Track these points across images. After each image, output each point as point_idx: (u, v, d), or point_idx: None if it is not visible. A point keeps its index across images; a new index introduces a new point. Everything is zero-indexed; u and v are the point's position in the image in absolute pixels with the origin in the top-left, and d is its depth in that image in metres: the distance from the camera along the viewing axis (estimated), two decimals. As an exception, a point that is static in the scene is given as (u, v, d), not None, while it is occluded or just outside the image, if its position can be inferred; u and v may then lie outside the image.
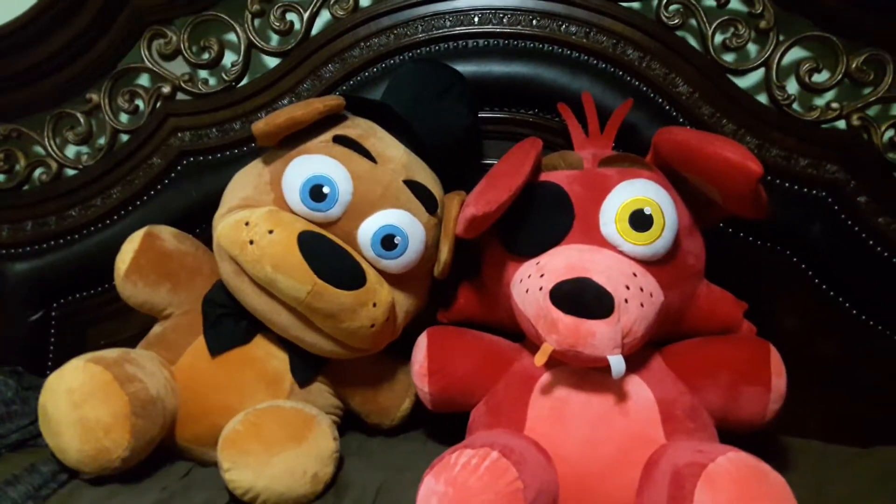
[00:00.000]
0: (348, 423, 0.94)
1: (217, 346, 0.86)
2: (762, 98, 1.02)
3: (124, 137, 1.09)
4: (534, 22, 1.01)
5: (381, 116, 0.90)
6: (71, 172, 1.10)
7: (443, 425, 0.92)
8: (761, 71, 1.01)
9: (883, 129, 0.99)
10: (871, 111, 1.00)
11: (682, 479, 0.65)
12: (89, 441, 0.77)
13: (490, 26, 1.02)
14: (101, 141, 1.09)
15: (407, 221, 0.84)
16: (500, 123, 1.04)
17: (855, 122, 0.99)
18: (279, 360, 0.87)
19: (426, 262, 0.88)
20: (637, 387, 0.78)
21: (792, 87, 1.01)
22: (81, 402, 0.77)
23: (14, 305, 1.07)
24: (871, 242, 0.96)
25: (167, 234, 0.92)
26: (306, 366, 0.88)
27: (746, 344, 0.83)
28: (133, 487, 0.80)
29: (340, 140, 0.85)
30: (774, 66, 1.00)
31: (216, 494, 0.78)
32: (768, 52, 1.00)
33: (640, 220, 0.78)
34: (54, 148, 1.09)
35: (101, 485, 0.80)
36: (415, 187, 0.86)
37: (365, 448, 0.91)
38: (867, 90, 0.99)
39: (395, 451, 0.90)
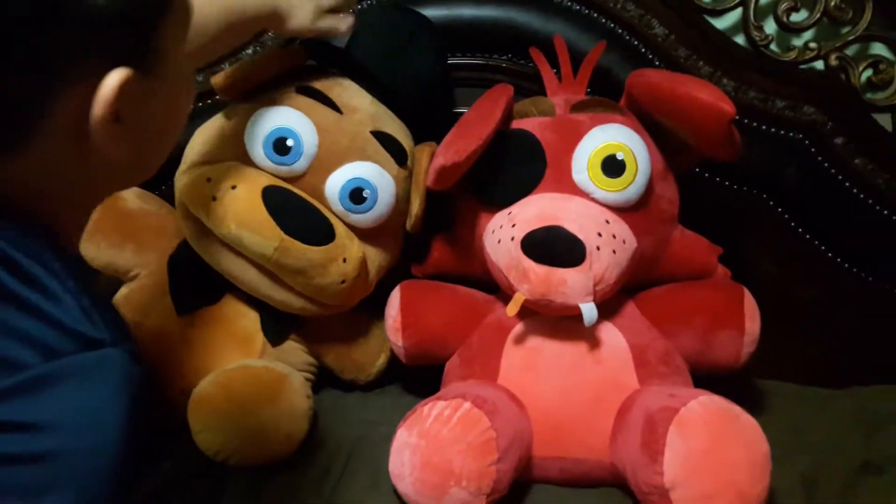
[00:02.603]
0: (323, 381, 0.94)
1: (184, 306, 0.85)
2: (739, 39, 0.99)
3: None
4: (505, -37, 0.98)
5: (346, 65, 0.87)
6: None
7: (419, 379, 0.91)
8: (738, 11, 0.98)
9: (861, 69, 0.97)
10: (850, 51, 0.98)
11: (655, 424, 0.65)
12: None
13: (459, -32, 0.98)
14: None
15: (375, 174, 0.81)
16: (472, 70, 1.00)
17: (833, 62, 0.97)
18: (250, 319, 0.86)
19: (397, 216, 0.86)
20: (610, 333, 0.77)
21: (770, 27, 0.99)
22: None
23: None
24: (847, 184, 0.95)
25: (129, 194, 0.89)
26: (278, 324, 0.87)
27: (720, 288, 0.83)
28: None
29: (304, 91, 0.82)
30: (752, 6, 0.97)
31: (189, 456, 0.77)
32: (744, -9, 0.97)
33: (612, 166, 0.77)
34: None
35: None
36: (383, 138, 0.84)
37: (340, 404, 0.91)
38: (845, 29, 0.97)
39: (371, 406, 0.89)
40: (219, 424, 0.74)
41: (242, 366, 0.80)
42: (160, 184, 0.98)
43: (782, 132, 0.97)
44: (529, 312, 0.77)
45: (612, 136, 0.78)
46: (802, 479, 0.73)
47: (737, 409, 0.66)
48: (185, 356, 0.84)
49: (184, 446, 0.78)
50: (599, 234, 0.74)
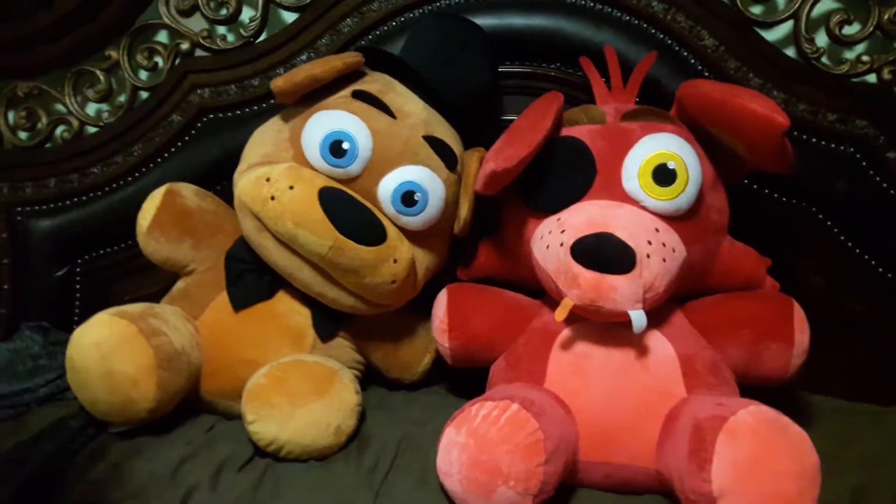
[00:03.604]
0: (370, 378, 0.96)
1: (240, 301, 0.87)
2: (790, 51, 0.99)
3: (144, 95, 1.09)
4: (556, -27, 0.99)
5: (400, 71, 0.89)
6: (92, 130, 1.10)
7: (463, 380, 0.92)
8: (790, 23, 0.98)
9: (914, 82, 0.96)
10: (903, 64, 0.97)
11: (703, 432, 0.65)
12: (117, 393, 0.78)
13: (511, -22, 1.00)
14: (122, 98, 1.09)
15: (427, 178, 0.83)
16: (521, 78, 1.02)
17: (886, 75, 0.96)
18: (302, 316, 0.88)
19: (446, 219, 0.88)
20: (658, 342, 0.77)
21: (821, 39, 0.99)
22: (108, 355, 0.78)
23: (39, 262, 1.08)
24: (899, 199, 0.94)
25: (188, 192, 0.92)
26: (328, 321, 0.89)
27: (769, 300, 0.82)
28: (160, 440, 0.81)
29: (360, 95, 0.84)
30: (804, 18, 0.97)
31: (241, 447, 0.80)
32: (797, 4, 0.97)
33: (663, 175, 0.77)
34: (75, 105, 1.09)
35: (129, 438, 0.82)
36: (434, 143, 0.86)
37: (386, 402, 0.92)
38: (899, 42, 0.96)
39: (416, 404, 0.90)
40: (272, 416, 0.76)
41: (295, 360, 0.82)
42: (216, 183, 1.01)
43: (833, 145, 0.96)
44: (576, 318, 0.78)
45: (663, 145, 0.79)
46: (851, 493, 0.72)
47: (786, 419, 0.66)
48: (238, 349, 0.86)
49: (237, 436, 0.80)
50: (649, 242, 0.74)
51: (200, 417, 0.87)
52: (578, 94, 0.98)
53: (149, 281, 1.07)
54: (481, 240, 0.94)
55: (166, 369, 0.79)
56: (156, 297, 0.93)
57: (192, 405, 0.88)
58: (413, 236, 0.85)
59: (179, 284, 0.92)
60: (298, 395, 0.77)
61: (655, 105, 0.88)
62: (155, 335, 0.79)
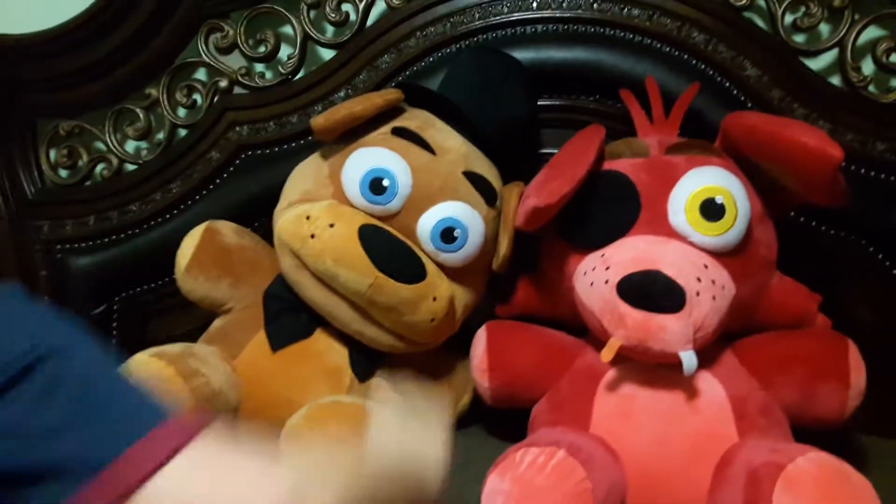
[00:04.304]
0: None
1: (278, 340, 0.86)
2: (835, 80, 0.97)
3: (183, 132, 1.10)
4: (594, 5, 0.98)
5: (439, 107, 0.88)
6: (131, 167, 1.11)
7: (503, 421, 0.90)
8: (834, 51, 0.96)
9: (963, 110, 0.93)
10: (951, 92, 0.94)
11: (759, 480, 0.62)
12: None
13: (549, 11, 0.99)
14: (160, 136, 1.10)
15: (466, 214, 0.82)
16: (560, 111, 1.01)
17: (934, 103, 0.94)
18: (339, 355, 0.87)
19: (485, 256, 0.86)
20: (708, 383, 0.75)
21: (868, 67, 0.96)
22: (147, 396, 0.77)
23: (77, 299, 1.09)
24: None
25: (227, 229, 0.92)
26: (366, 360, 0.87)
27: (822, 338, 0.79)
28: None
29: (399, 132, 0.84)
30: (849, 47, 0.95)
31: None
32: (842, 32, 0.95)
33: (711, 210, 0.75)
34: (115, 143, 1.11)
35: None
36: (474, 179, 0.85)
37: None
38: (946, 70, 0.94)
39: (456, 446, 0.88)
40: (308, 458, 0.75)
41: (334, 401, 0.80)
42: (254, 220, 1.01)
43: (882, 175, 0.93)
44: (622, 359, 0.75)
45: (710, 179, 0.77)
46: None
47: (848, 467, 0.63)
48: (276, 389, 0.85)
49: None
50: (699, 280, 0.72)
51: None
52: (619, 127, 0.96)
53: (186, 319, 1.06)
54: (520, 276, 0.92)
55: (206, 412, 0.78)
56: (193, 336, 0.93)
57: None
58: (452, 273, 0.84)
59: (217, 323, 0.91)
60: (335, 436, 0.76)
61: (699, 137, 0.86)
62: (193, 376, 0.78)
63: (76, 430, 0.43)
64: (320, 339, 0.87)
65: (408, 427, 0.57)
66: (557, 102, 1.01)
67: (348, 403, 0.80)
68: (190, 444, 0.44)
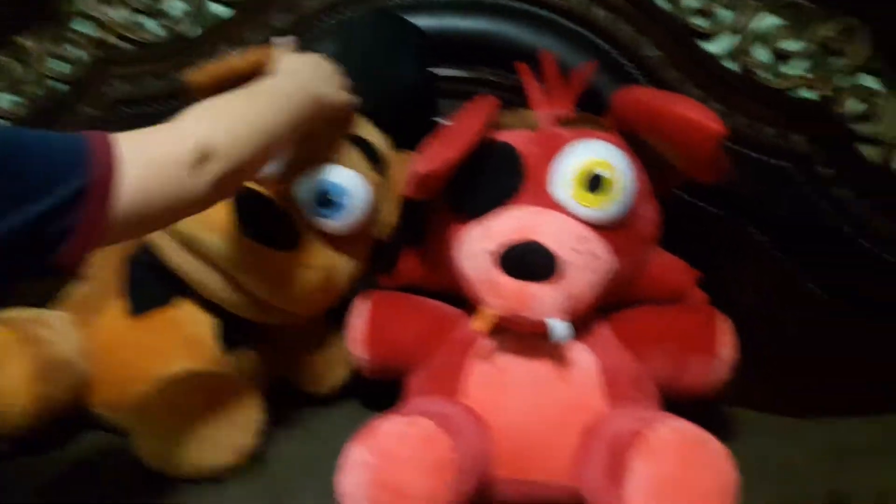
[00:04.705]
0: (281, 392, 0.89)
1: (138, 306, 0.81)
2: (731, 64, 0.98)
3: (61, 86, 1.03)
4: (499, -24, 0.96)
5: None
6: (4, 123, 1.04)
7: (382, 393, 0.87)
8: (731, 36, 0.98)
9: (850, 100, 0.96)
10: (840, 81, 0.97)
11: (620, 448, 0.62)
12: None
13: (453, -22, 0.97)
14: (37, 90, 1.03)
15: (349, 179, 0.79)
16: (460, 82, 0.99)
17: (823, 91, 0.96)
18: (203, 324, 0.82)
19: (370, 224, 0.83)
20: (581, 354, 0.75)
21: (762, 54, 0.98)
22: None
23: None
24: (832, 216, 0.93)
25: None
26: (234, 331, 0.83)
27: (696, 312, 0.80)
28: (38, 458, 0.75)
29: (280, 90, 0.80)
30: (745, 32, 0.96)
31: (128, 466, 0.73)
32: (740, 18, 0.96)
33: (594, 182, 0.74)
34: (-15, 96, 1.03)
35: (9, 459, 0.75)
36: (360, 144, 0.81)
37: (296, 418, 0.87)
38: (837, 60, 0.96)
39: (329, 420, 0.85)
40: (160, 433, 0.71)
41: (189, 371, 0.76)
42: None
43: (769, 159, 0.95)
44: (499, 329, 0.74)
45: (595, 153, 0.76)
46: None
47: (706, 434, 0.63)
48: (132, 359, 0.80)
49: (123, 454, 0.74)
50: (576, 251, 0.71)
51: (90, 433, 0.81)
52: (517, 99, 0.94)
53: (39, 284, 0.99)
54: (405, 246, 0.89)
55: (46, 380, 0.73)
56: (47, 302, 0.86)
57: (81, 418, 0.81)
58: (334, 241, 0.80)
59: (73, 288, 0.85)
60: (191, 410, 0.72)
61: (595, 115, 0.86)
62: (36, 343, 0.73)
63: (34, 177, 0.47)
64: (184, 307, 0.82)
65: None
66: (458, 73, 0.99)
67: (207, 375, 0.76)
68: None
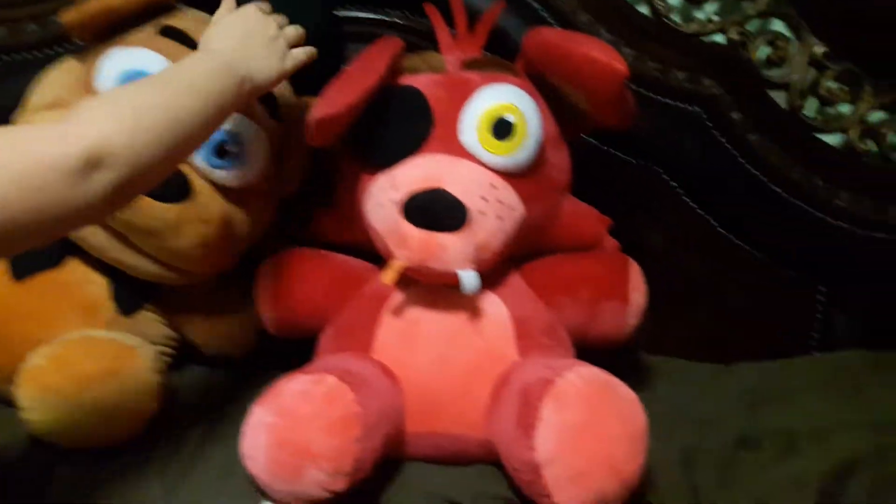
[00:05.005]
0: (188, 356, 0.85)
1: (22, 268, 0.75)
2: (642, 8, 0.97)
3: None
4: (404, -89, 0.92)
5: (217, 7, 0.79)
6: None
7: (294, 354, 0.84)
8: (642, -22, 0.96)
9: (760, 44, 0.96)
10: (751, 26, 0.97)
11: (530, 396, 0.62)
12: None
13: (357, -86, 0.92)
14: None
15: (244, 126, 0.74)
16: (367, 24, 0.95)
17: (734, 36, 0.96)
18: (97, 286, 0.77)
19: (271, 176, 0.79)
20: (492, 304, 0.73)
21: (674, -3, 0.97)
22: None
23: None
24: (742, 161, 0.94)
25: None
26: (130, 292, 0.78)
27: (607, 259, 0.80)
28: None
29: (168, 32, 0.74)
30: (656, -26, 0.95)
31: (15, 438, 0.69)
32: (650, -41, 0.94)
33: (501, 128, 0.72)
34: None
35: None
36: (257, 90, 0.76)
37: (202, 381, 0.83)
38: (747, 4, 0.96)
39: (237, 383, 0.82)
40: (50, 401, 0.66)
41: (82, 336, 0.71)
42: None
43: (680, 104, 0.95)
44: (409, 282, 0.72)
45: (502, 97, 0.73)
46: (682, 453, 0.71)
47: (615, 381, 0.63)
48: (18, 325, 0.74)
49: (11, 425, 0.69)
50: (484, 199, 0.69)
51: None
52: (425, 43, 0.91)
53: None
54: (315, 200, 0.86)
55: None
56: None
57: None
58: (231, 194, 0.76)
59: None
60: (84, 376, 0.67)
61: (504, 58, 0.83)
62: None
63: None
64: (74, 268, 0.77)
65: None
66: (365, 15, 0.95)
67: (103, 339, 0.71)
68: None
